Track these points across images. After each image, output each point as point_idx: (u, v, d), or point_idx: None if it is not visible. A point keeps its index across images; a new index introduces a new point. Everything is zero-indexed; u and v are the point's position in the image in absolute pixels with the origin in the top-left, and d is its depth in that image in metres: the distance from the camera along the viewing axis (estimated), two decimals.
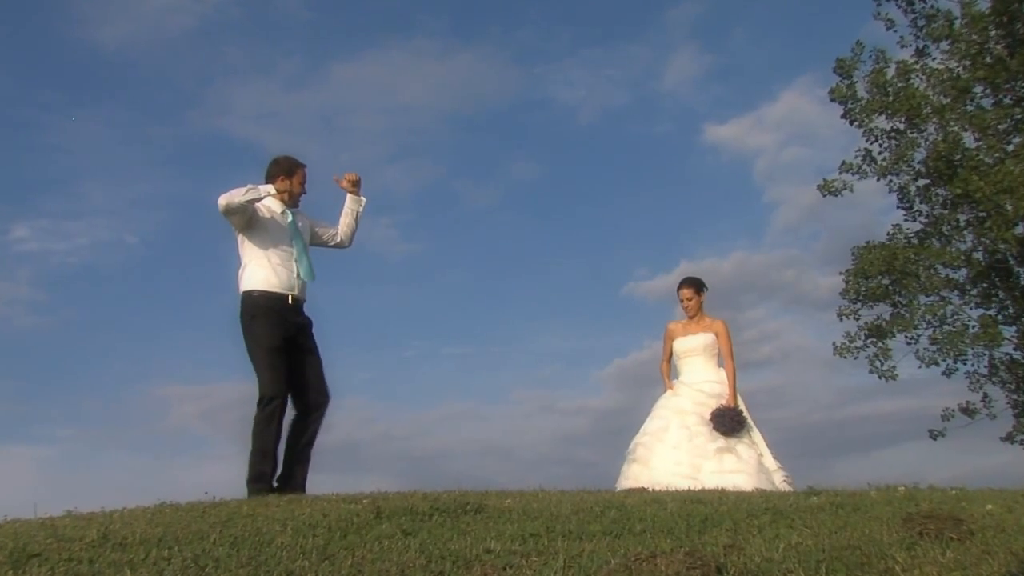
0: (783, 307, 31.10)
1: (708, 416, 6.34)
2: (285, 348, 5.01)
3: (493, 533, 3.18)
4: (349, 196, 5.57)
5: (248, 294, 5.10)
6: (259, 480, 4.76)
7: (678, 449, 6.16)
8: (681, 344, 6.84)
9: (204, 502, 4.08)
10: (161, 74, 27.77)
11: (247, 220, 5.09)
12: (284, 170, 5.27)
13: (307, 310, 5.30)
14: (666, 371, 6.97)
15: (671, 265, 31.73)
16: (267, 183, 5.23)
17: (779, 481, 6.13)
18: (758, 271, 30.06)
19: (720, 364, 6.80)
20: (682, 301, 6.87)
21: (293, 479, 4.95)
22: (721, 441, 6.23)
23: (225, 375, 28.02)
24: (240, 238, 5.17)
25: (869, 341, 15.31)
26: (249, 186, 5.01)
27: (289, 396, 5.03)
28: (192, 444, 23.66)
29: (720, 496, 4.50)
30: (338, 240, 5.57)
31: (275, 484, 4.89)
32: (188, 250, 25.62)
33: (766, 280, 29.89)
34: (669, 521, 3.51)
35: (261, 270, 5.10)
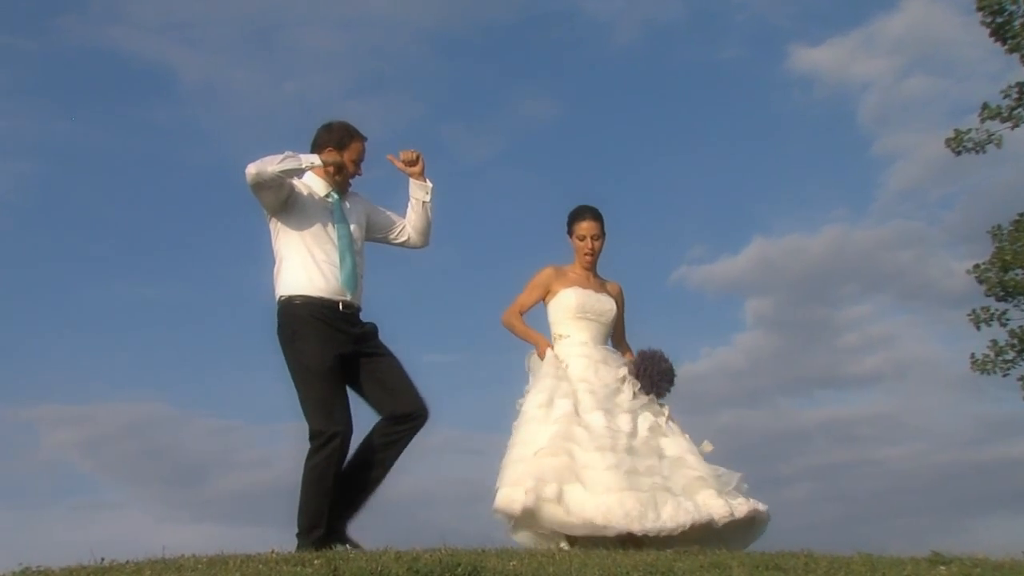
0: (899, 303, 24.20)
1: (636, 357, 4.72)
2: (341, 367, 4.09)
3: None
4: (411, 182, 4.49)
5: (287, 302, 4.15)
6: (310, 546, 3.80)
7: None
8: (581, 297, 4.76)
9: (88, 566, 3.17)
10: None
11: (283, 200, 4.15)
12: (335, 140, 4.28)
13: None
14: (524, 325, 4.87)
15: (740, 243, 22.98)
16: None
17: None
18: (862, 252, 22.84)
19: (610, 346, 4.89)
20: (582, 239, 4.81)
21: (341, 515, 4.03)
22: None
23: (116, 391, 20.27)
24: (274, 225, 4.23)
25: (1021, 355, 12.16)
26: (287, 153, 4.07)
27: (374, 409, 4.14)
28: (71, 485, 17.25)
29: (807, 561, 3.42)
30: (406, 238, 4.53)
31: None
32: (66, 216, 18.43)
33: (874, 265, 22.71)
34: None
35: (302, 269, 4.15)
